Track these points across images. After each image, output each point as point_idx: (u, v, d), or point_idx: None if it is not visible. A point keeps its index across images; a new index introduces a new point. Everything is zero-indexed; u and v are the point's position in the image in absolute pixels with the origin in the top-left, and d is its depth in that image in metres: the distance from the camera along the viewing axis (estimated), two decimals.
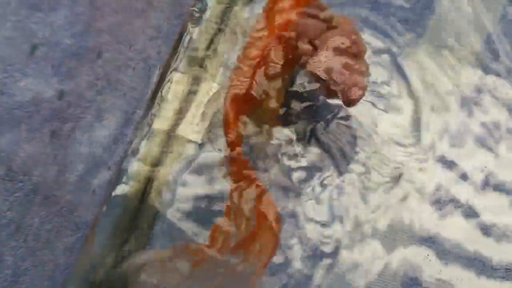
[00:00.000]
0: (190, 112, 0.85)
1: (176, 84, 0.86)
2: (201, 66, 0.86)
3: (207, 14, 0.87)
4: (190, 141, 0.84)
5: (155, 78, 0.84)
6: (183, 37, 0.86)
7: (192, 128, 0.85)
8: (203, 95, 0.86)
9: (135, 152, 0.84)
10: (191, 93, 0.86)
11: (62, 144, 0.70)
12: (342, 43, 0.71)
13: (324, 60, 0.71)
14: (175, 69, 0.86)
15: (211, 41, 0.87)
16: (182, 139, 0.84)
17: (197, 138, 0.84)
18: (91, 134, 0.74)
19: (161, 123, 0.85)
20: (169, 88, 0.86)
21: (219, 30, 0.87)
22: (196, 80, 0.86)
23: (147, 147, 0.84)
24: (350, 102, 0.72)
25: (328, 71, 0.71)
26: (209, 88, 0.86)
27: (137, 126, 0.83)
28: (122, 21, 0.72)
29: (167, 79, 0.85)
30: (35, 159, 0.66)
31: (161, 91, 0.85)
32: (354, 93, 0.71)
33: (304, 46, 0.73)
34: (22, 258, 0.69)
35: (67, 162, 0.72)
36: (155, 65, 0.83)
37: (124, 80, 0.77)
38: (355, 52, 0.72)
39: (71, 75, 0.67)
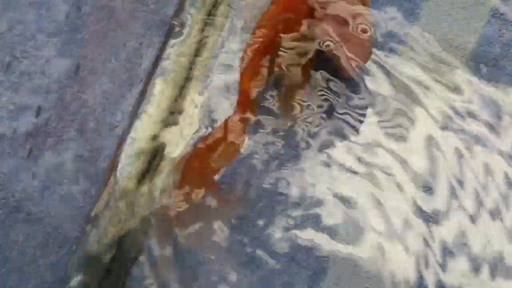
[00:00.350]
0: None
1: (160, 94, 0.79)
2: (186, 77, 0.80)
3: (188, 27, 0.81)
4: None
5: (138, 89, 0.78)
6: (166, 48, 0.80)
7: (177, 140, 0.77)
8: (189, 104, 0.79)
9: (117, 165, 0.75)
10: (176, 103, 0.79)
11: (44, 160, 0.75)
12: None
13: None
14: (158, 79, 0.79)
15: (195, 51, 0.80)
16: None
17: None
18: (73, 149, 0.75)
19: (144, 133, 0.77)
20: (152, 98, 0.78)
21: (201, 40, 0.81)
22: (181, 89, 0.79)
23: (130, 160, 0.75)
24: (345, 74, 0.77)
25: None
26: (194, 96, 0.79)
27: (121, 138, 0.76)
28: (104, 32, 0.79)
29: (150, 89, 0.79)
30: (16, 176, 0.75)
31: (144, 102, 0.78)
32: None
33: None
34: (7, 274, 0.71)
35: (50, 178, 0.75)
36: (138, 75, 0.77)
37: (106, 91, 0.77)
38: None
39: (50, 90, 0.76)
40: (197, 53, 0.80)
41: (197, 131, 0.77)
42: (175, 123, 0.78)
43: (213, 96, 0.79)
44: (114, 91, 0.76)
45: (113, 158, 0.75)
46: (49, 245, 0.73)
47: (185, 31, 0.79)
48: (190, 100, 0.78)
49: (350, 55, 0.77)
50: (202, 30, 0.80)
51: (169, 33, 0.79)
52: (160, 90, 0.78)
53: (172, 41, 0.79)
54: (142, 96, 0.78)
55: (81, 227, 0.72)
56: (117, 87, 0.77)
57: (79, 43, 0.75)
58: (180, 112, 0.78)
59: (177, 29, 0.80)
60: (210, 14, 0.81)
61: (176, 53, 0.78)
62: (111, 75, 0.77)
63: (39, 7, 0.74)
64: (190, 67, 0.79)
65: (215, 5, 0.81)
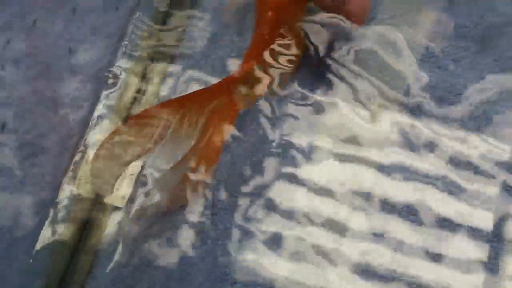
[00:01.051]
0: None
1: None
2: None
3: (122, 80, 0.81)
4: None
5: (75, 143, 0.79)
6: (100, 101, 0.81)
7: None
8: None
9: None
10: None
11: None
12: None
13: None
14: (95, 133, 0.79)
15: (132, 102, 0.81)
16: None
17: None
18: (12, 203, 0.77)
19: (84, 188, 0.77)
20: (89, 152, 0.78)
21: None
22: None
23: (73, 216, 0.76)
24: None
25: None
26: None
27: (59, 194, 0.77)
28: (44, 86, 0.82)
29: (87, 143, 0.79)
30: None
31: (83, 155, 0.78)
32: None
33: None
34: None
35: None
36: (73, 129, 0.79)
37: (44, 146, 0.79)
38: None
39: None
40: (131, 105, 0.81)
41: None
42: None
43: None
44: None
45: None
46: None
47: (119, 83, 0.80)
48: None
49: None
50: (138, 82, 0.81)
51: (103, 84, 0.80)
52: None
53: (104, 93, 0.80)
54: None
55: None
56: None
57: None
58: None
59: (110, 80, 0.81)
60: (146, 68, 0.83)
61: (109, 105, 0.80)
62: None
63: None
64: (126, 119, 0.80)
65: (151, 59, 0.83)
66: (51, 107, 0.81)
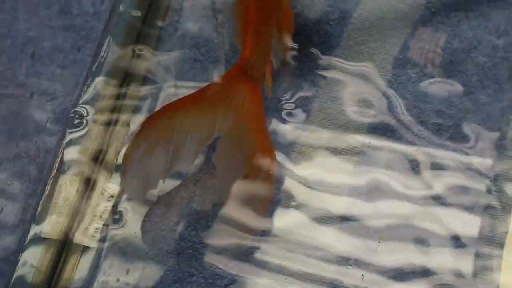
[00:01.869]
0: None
1: (67, 187, 0.76)
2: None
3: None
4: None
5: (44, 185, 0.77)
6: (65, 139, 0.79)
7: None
8: (98, 197, 0.76)
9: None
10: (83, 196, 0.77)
11: None
12: None
13: None
14: (64, 172, 0.77)
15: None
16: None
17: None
18: None
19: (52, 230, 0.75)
20: (59, 192, 0.76)
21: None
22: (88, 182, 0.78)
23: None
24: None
25: None
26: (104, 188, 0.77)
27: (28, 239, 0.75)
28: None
29: (56, 183, 0.77)
30: None
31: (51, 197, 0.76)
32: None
33: None
34: None
35: None
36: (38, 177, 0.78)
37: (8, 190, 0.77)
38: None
39: None
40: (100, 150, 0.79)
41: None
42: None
43: None
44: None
45: None
46: None
47: (84, 122, 0.79)
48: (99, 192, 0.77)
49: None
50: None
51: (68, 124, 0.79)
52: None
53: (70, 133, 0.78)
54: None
55: None
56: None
57: None
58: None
59: (76, 121, 0.79)
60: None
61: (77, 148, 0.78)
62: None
63: None
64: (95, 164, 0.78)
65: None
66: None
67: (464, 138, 0.74)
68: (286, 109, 0.78)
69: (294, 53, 0.80)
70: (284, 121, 0.77)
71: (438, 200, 0.71)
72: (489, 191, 0.71)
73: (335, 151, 0.75)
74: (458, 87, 0.76)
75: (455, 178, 0.72)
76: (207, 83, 0.73)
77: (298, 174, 0.74)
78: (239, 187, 0.70)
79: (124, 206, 0.75)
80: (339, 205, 0.72)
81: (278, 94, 0.78)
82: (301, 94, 0.79)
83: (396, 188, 0.72)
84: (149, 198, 0.74)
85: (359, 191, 0.73)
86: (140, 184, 0.69)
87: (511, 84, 0.75)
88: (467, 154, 0.73)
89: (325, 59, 0.80)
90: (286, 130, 0.77)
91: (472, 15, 0.79)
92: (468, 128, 0.74)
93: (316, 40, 0.80)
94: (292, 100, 0.78)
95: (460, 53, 0.78)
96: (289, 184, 0.74)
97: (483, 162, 0.72)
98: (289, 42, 0.79)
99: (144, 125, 0.70)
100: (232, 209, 0.71)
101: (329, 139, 0.76)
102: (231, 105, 0.70)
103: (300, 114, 0.78)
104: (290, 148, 0.76)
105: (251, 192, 0.71)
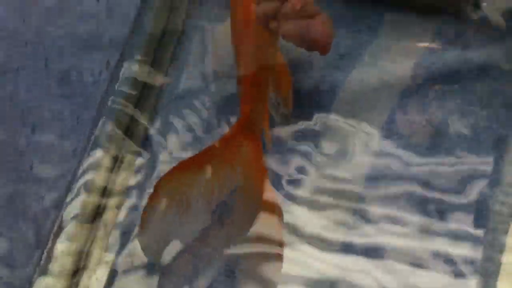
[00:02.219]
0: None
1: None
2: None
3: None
4: None
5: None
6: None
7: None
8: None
9: None
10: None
11: None
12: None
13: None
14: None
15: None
16: None
17: None
18: None
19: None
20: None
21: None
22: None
23: None
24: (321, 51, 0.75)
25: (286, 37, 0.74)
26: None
27: None
28: None
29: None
30: None
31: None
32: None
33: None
34: None
35: None
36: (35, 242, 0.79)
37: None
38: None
39: None
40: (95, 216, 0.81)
41: None
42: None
43: None
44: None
45: None
46: None
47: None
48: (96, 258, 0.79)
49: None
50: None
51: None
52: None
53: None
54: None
55: None
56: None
57: None
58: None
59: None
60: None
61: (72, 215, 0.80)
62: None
63: None
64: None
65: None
66: None
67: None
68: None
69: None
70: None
71: None
72: None
73: None
74: (444, 159, 0.79)
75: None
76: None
77: None
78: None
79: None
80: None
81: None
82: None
83: None
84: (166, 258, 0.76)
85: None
86: (157, 244, 0.74)
87: (495, 153, 0.78)
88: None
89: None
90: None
91: (456, 87, 0.82)
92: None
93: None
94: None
95: (444, 124, 0.81)
96: None
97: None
98: (287, 100, 0.82)
99: (157, 187, 0.74)
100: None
101: None
102: (239, 161, 0.74)
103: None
104: None
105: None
